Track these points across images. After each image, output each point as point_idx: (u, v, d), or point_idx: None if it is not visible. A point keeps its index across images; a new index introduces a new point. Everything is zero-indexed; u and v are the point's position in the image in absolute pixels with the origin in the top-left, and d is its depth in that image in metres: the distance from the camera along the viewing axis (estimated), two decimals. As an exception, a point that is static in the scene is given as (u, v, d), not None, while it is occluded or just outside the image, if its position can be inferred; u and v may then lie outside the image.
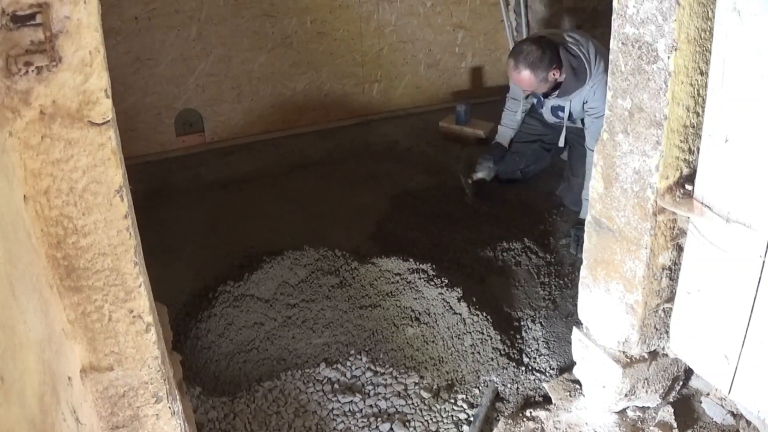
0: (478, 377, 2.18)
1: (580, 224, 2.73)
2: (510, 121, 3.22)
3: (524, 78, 2.69)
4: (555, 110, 2.94)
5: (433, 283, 2.60)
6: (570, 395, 2.00)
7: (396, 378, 2.16)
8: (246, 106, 3.96)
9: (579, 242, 2.72)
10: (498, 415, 2.03)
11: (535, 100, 3.04)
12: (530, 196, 3.28)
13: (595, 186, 1.73)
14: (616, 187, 1.65)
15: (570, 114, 2.87)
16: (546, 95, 2.87)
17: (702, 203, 1.49)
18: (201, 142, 3.91)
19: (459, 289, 2.57)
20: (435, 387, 2.13)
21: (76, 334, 1.28)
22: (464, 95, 4.45)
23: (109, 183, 1.18)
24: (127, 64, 3.53)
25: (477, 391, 2.13)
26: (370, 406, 2.06)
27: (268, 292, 2.53)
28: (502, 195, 3.27)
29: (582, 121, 2.91)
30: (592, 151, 2.64)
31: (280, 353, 2.28)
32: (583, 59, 2.68)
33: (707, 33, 1.41)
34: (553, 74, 2.69)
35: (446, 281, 2.61)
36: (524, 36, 4.37)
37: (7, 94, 1.05)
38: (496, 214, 3.14)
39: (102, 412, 1.38)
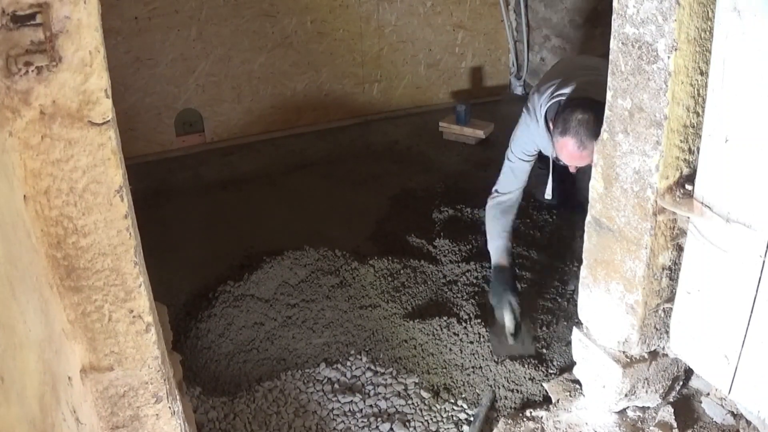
0: (479, 377, 2.18)
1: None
2: (500, 227, 2.44)
3: (588, 155, 2.05)
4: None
5: (433, 283, 2.61)
6: (570, 395, 2.00)
7: (396, 378, 2.16)
8: (246, 106, 3.96)
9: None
10: (498, 415, 2.03)
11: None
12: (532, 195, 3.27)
13: (595, 186, 1.73)
14: (616, 187, 1.65)
15: None
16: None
17: (702, 203, 1.49)
18: (201, 142, 3.91)
19: (459, 289, 2.57)
20: (435, 387, 2.13)
21: (76, 334, 1.28)
22: (464, 95, 4.45)
23: (109, 183, 1.18)
24: (127, 64, 3.53)
25: (477, 391, 2.13)
26: (370, 406, 2.06)
27: (268, 292, 2.53)
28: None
29: None
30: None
31: (280, 353, 2.28)
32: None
33: (707, 33, 1.41)
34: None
35: (446, 280, 2.61)
36: (524, 36, 4.38)
37: (7, 94, 1.05)
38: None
39: (102, 412, 1.38)
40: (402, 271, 2.66)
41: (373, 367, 2.20)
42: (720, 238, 1.47)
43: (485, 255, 2.76)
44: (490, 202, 2.49)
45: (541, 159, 2.52)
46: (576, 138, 2.09)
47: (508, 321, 2.29)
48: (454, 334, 2.33)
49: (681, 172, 1.55)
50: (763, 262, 1.37)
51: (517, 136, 2.44)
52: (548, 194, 2.63)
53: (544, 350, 2.29)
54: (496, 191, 2.49)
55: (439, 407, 2.05)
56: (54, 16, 1.03)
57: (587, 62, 2.81)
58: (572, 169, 2.27)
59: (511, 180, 2.46)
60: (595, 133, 1.94)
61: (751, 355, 1.48)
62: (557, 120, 2.17)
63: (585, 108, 2.10)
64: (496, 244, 2.45)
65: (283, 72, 3.98)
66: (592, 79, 2.27)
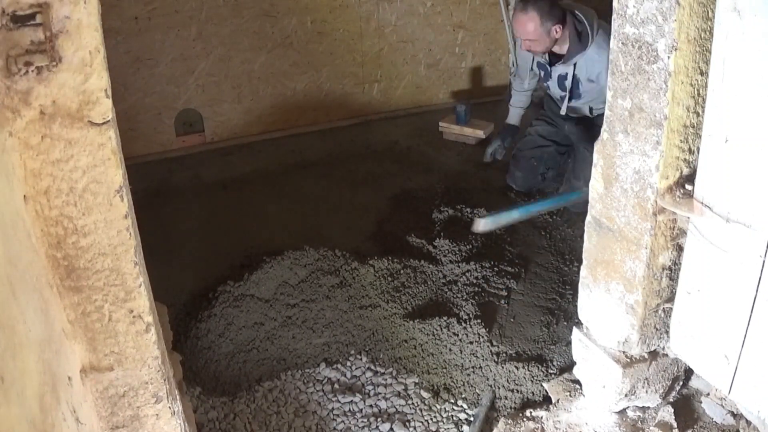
0: (479, 377, 2.18)
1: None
2: (518, 100, 3.34)
3: (529, 20, 2.73)
4: (561, 80, 2.96)
5: (433, 283, 2.61)
6: (570, 395, 2.00)
7: (396, 378, 2.16)
8: (246, 106, 3.96)
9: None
10: (498, 415, 2.03)
11: (542, 73, 3.06)
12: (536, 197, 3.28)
13: (595, 186, 1.73)
14: (616, 187, 1.65)
15: (577, 84, 2.89)
16: (551, 63, 2.92)
17: (702, 203, 1.49)
18: (201, 142, 3.91)
19: (459, 289, 2.57)
20: (435, 387, 2.13)
21: (76, 334, 1.28)
22: (464, 95, 4.46)
23: (109, 183, 1.18)
24: (127, 64, 3.53)
25: (477, 391, 2.13)
26: (370, 406, 2.06)
27: (268, 292, 2.53)
28: (513, 198, 3.27)
29: (590, 110, 2.96)
30: None
31: (280, 353, 2.28)
32: (587, 25, 2.75)
33: (707, 33, 1.41)
34: (556, 30, 2.75)
35: (446, 280, 2.61)
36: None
37: (7, 94, 1.05)
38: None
39: (102, 412, 1.38)
40: (402, 271, 2.66)
41: (373, 367, 2.20)
42: (720, 238, 1.47)
43: (485, 254, 2.77)
44: (515, 89, 3.35)
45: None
46: (522, 3, 2.77)
47: (489, 153, 3.46)
48: (454, 334, 2.33)
49: (681, 172, 1.55)
50: (763, 262, 1.37)
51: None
52: (563, 110, 3.07)
53: (544, 350, 2.30)
54: (515, 74, 3.39)
55: (439, 407, 2.05)
56: (54, 16, 1.03)
57: None
58: (525, 46, 2.87)
59: (522, 66, 3.23)
60: (541, 10, 2.72)
61: (751, 355, 1.48)
62: None
63: None
64: (512, 110, 3.39)
65: (283, 72, 3.97)
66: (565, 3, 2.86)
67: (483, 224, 2.64)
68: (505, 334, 2.37)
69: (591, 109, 3.00)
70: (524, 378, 2.16)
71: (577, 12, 2.80)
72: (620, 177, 1.63)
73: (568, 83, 2.93)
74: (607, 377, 1.80)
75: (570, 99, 2.97)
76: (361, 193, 3.39)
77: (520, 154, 3.26)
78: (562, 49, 2.84)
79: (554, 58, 2.91)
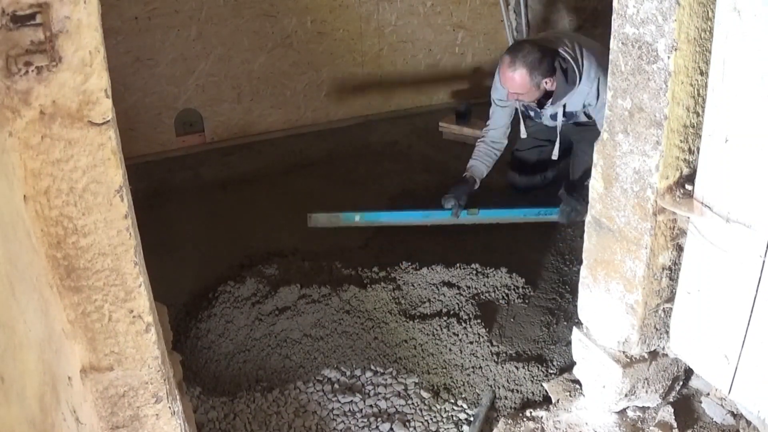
0: (479, 377, 2.18)
1: (576, 194, 2.79)
2: (485, 156, 2.98)
3: (518, 77, 2.57)
4: (552, 117, 2.91)
5: (433, 283, 2.61)
6: (570, 395, 2.00)
7: (396, 378, 2.16)
8: (246, 106, 3.96)
9: (569, 212, 2.81)
10: (498, 415, 2.03)
11: (532, 113, 2.96)
12: (538, 196, 3.27)
13: (595, 186, 1.73)
14: (616, 187, 1.65)
15: (572, 114, 2.85)
16: (541, 105, 2.81)
17: (702, 203, 1.49)
18: (201, 142, 3.91)
19: (459, 289, 2.57)
20: (435, 387, 2.13)
21: (76, 334, 1.28)
22: (464, 95, 4.45)
23: (109, 183, 1.18)
24: (127, 64, 3.53)
25: (477, 391, 2.13)
26: (370, 406, 2.06)
27: (269, 292, 2.52)
28: (513, 198, 3.27)
29: (586, 114, 2.91)
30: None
31: (280, 353, 2.28)
32: (572, 61, 2.65)
33: (707, 33, 1.41)
34: (546, 83, 2.62)
35: (446, 280, 2.61)
36: (524, 36, 4.38)
37: (7, 94, 1.05)
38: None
39: (102, 412, 1.37)
40: (402, 271, 2.66)
41: (373, 367, 2.20)
42: (720, 238, 1.47)
43: (485, 254, 2.77)
44: (483, 141, 3.00)
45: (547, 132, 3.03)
46: (510, 56, 2.58)
47: (446, 203, 2.90)
48: (454, 334, 2.33)
49: (681, 172, 1.55)
50: (763, 262, 1.37)
51: (494, 81, 2.88)
52: (555, 154, 2.98)
53: (545, 350, 2.30)
54: (486, 125, 3.01)
55: (439, 407, 2.05)
56: (54, 16, 1.03)
57: (577, 34, 3.28)
58: (511, 97, 2.70)
59: (498, 118, 2.95)
60: (531, 65, 2.55)
61: (751, 355, 1.48)
62: (513, 44, 2.71)
63: (536, 46, 2.59)
64: (475, 164, 2.99)
65: (283, 72, 3.97)
66: (551, 37, 2.74)
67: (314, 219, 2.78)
68: (505, 334, 2.37)
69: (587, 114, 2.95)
70: (524, 378, 2.16)
71: (560, 50, 2.65)
72: (620, 177, 1.63)
73: (559, 119, 2.85)
74: (607, 377, 1.80)
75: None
76: (361, 193, 3.39)
77: (517, 155, 3.26)
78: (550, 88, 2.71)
79: (543, 99, 2.77)
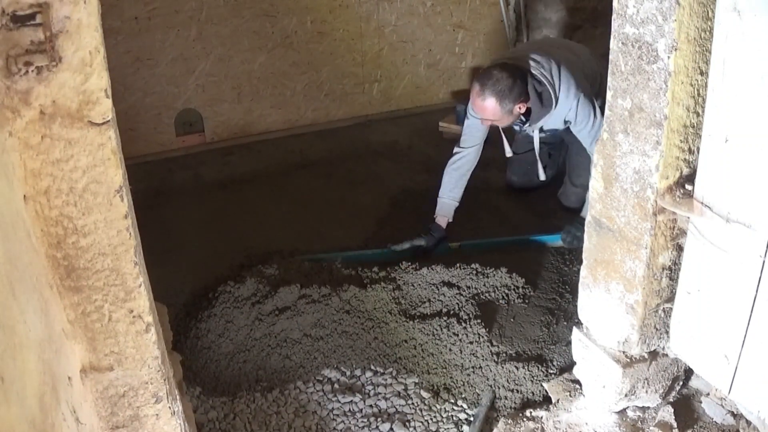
0: (479, 377, 2.18)
1: (578, 221, 2.77)
2: (455, 188, 2.84)
3: (488, 107, 2.50)
4: (528, 136, 2.90)
5: (433, 283, 2.61)
6: (570, 395, 2.00)
7: (396, 378, 2.16)
8: (246, 106, 3.96)
9: (572, 237, 2.81)
10: (498, 415, 2.03)
11: (516, 128, 2.86)
12: (538, 196, 3.28)
13: (595, 186, 1.73)
14: (616, 187, 1.65)
15: (555, 130, 2.81)
16: (520, 126, 2.77)
17: (702, 203, 1.49)
18: (201, 142, 3.92)
19: (459, 289, 2.57)
20: (435, 387, 2.13)
21: (76, 334, 1.28)
22: (464, 95, 4.43)
23: (109, 183, 1.18)
24: (127, 64, 3.53)
25: (477, 391, 2.13)
26: (370, 406, 2.06)
27: (269, 292, 2.52)
28: (512, 198, 3.27)
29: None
30: (589, 146, 2.68)
31: (279, 353, 2.28)
32: (547, 84, 2.56)
33: (707, 33, 1.41)
34: (519, 107, 2.54)
35: (446, 280, 2.61)
36: (524, 36, 4.39)
37: (7, 94, 1.05)
38: (500, 213, 3.14)
39: (102, 412, 1.37)
40: (402, 271, 2.66)
41: (373, 367, 2.20)
42: (720, 238, 1.47)
43: (484, 254, 2.77)
44: (451, 161, 2.86)
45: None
46: (479, 83, 2.50)
47: (406, 245, 2.81)
48: (454, 334, 2.33)
49: (681, 172, 1.55)
50: (763, 262, 1.37)
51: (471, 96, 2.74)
52: (542, 176, 2.98)
53: (545, 350, 2.30)
54: (457, 146, 2.85)
55: (439, 407, 2.05)
56: (54, 16, 1.03)
57: (561, 42, 3.20)
58: (485, 123, 2.64)
59: (468, 137, 2.81)
60: (501, 93, 2.47)
61: (751, 355, 1.48)
62: (482, 71, 2.59)
63: (505, 70, 2.50)
64: (443, 202, 2.86)
65: (283, 72, 3.98)
66: (522, 54, 2.65)
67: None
68: (505, 334, 2.37)
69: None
70: (524, 378, 2.16)
71: (534, 72, 2.56)
72: (620, 177, 1.63)
73: (536, 140, 2.81)
74: (607, 377, 1.80)
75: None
76: (361, 193, 3.39)
77: (514, 158, 3.23)
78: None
79: (524, 117, 2.69)
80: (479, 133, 2.79)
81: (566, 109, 2.61)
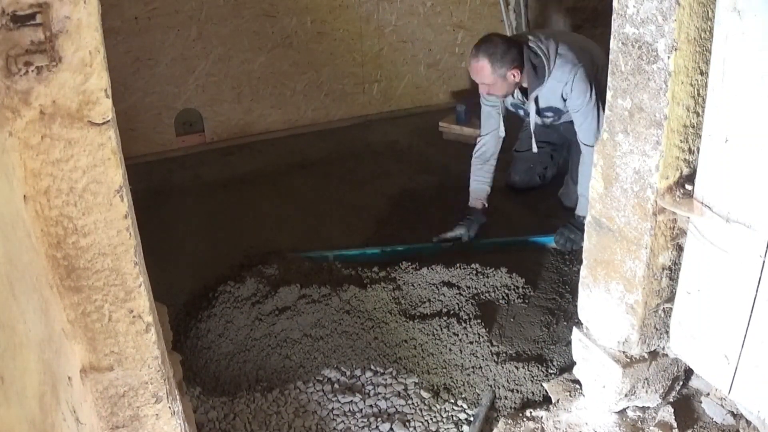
0: (479, 377, 2.18)
1: (573, 223, 2.80)
2: (482, 174, 2.96)
3: (480, 67, 2.60)
4: (543, 111, 2.90)
5: (433, 283, 2.61)
6: (570, 395, 2.00)
7: (396, 378, 2.16)
8: (246, 106, 3.96)
9: (566, 240, 2.82)
10: (498, 415, 2.03)
11: (521, 112, 2.96)
12: (538, 196, 3.28)
13: (595, 186, 1.73)
14: (616, 187, 1.65)
15: (556, 109, 2.83)
16: (526, 96, 2.81)
17: (702, 203, 1.49)
18: (201, 142, 3.92)
19: (459, 289, 2.57)
20: (435, 387, 2.13)
21: (76, 334, 1.28)
22: (464, 95, 4.45)
23: (109, 183, 1.18)
24: (127, 64, 3.53)
25: (477, 391, 2.13)
26: (370, 406, 2.06)
27: (268, 292, 2.52)
28: (512, 197, 3.27)
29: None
30: (585, 145, 2.68)
31: (279, 353, 2.28)
32: (543, 57, 2.65)
33: (707, 33, 1.41)
34: (513, 74, 2.62)
35: (446, 280, 2.61)
36: (524, 36, 4.39)
37: (7, 94, 1.05)
38: (500, 213, 3.14)
39: (102, 412, 1.38)
40: (402, 271, 2.66)
41: (373, 367, 2.20)
42: (720, 238, 1.47)
43: (485, 253, 2.77)
44: (474, 151, 2.98)
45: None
46: (475, 47, 2.62)
47: (453, 234, 2.89)
48: (454, 334, 2.33)
49: (681, 172, 1.55)
50: (763, 262, 1.37)
51: None
52: (534, 148, 3.01)
53: (545, 350, 2.30)
54: (479, 135, 2.98)
55: (439, 407, 2.05)
56: (54, 16, 1.03)
57: (570, 32, 3.33)
58: (482, 90, 2.73)
59: (485, 124, 2.94)
60: (494, 56, 2.58)
61: (751, 355, 1.48)
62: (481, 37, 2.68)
63: (501, 37, 2.65)
64: (474, 187, 2.98)
65: (283, 72, 3.98)
66: (525, 33, 2.78)
67: None
68: (505, 334, 2.37)
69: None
70: (524, 378, 2.16)
71: (532, 45, 2.66)
72: (620, 177, 1.63)
73: (532, 114, 2.84)
74: (607, 377, 1.80)
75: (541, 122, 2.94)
76: (361, 193, 3.39)
77: (516, 156, 3.27)
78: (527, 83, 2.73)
79: (522, 92, 2.80)
80: (493, 118, 2.90)
81: (562, 82, 2.66)
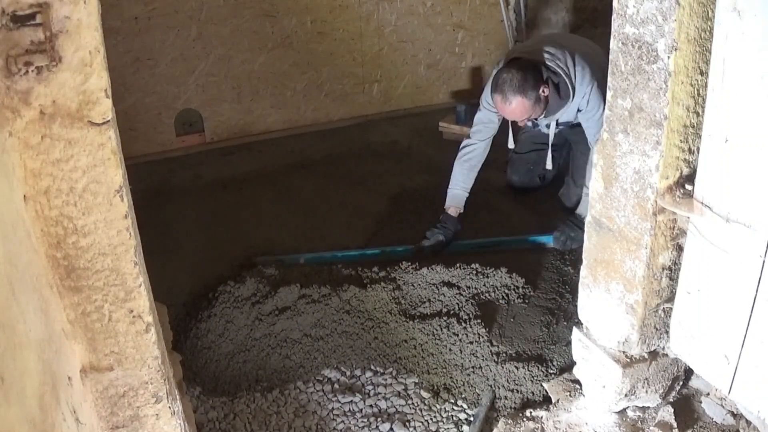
0: (479, 377, 2.18)
1: (572, 221, 2.78)
2: (465, 180, 2.86)
3: (517, 107, 2.48)
4: (558, 125, 2.87)
5: (433, 283, 2.61)
6: (570, 395, 2.00)
7: (396, 378, 2.16)
8: (246, 106, 3.96)
9: (566, 239, 2.79)
10: (498, 415, 2.03)
11: (529, 124, 2.83)
12: (538, 196, 3.28)
13: (595, 186, 1.73)
14: (616, 187, 1.65)
15: (567, 122, 2.80)
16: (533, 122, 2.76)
17: (702, 203, 1.49)
18: (201, 142, 3.92)
19: (459, 289, 2.57)
20: (435, 387, 2.13)
21: (76, 334, 1.28)
22: (464, 95, 4.46)
23: (109, 183, 1.18)
24: (127, 64, 3.53)
25: (477, 391, 2.13)
26: (370, 406, 2.06)
27: (268, 292, 2.52)
28: (512, 197, 3.27)
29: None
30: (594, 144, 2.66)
31: (279, 353, 2.28)
32: (563, 75, 2.57)
33: (707, 33, 1.41)
34: (543, 91, 2.53)
35: (446, 280, 2.61)
36: (524, 36, 4.39)
37: (7, 94, 1.05)
38: (500, 213, 3.14)
39: (102, 412, 1.38)
40: (402, 271, 2.66)
41: (373, 367, 2.20)
42: (720, 238, 1.47)
43: (484, 253, 2.77)
44: (460, 154, 2.87)
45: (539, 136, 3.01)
46: (500, 94, 2.50)
47: (428, 242, 2.82)
48: (454, 334, 2.33)
49: (681, 172, 1.55)
50: (763, 262, 1.37)
51: (485, 89, 2.80)
52: (549, 164, 2.98)
53: (545, 350, 2.30)
54: (468, 137, 2.88)
55: (439, 407, 2.05)
56: (54, 16, 1.03)
57: (573, 36, 3.21)
58: (521, 123, 2.65)
59: (479, 129, 2.83)
60: (521, 88, 2.48)
61: (751, 355, 1.48)
62: (493, 79, 2.62)
63: (512, 67, 2.51)
64: (454, 193, 2.89)
65: (283, 72, 3.98)
66: (534, 48, 2.66)
67: None
68: (505, 334, 2.37)
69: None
70: (524, 378, 2.16)
71: (549, 63, 2.56)
72: (620, 177, 1.63)
73: (551, 130, 2.79)
74: (607, 377, 1.80)
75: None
76: (361, 193, 3.39)
77: (516, 157, 3.26)
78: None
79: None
80: (492, 125, 2.81)
81: (580, 96, 2.61)
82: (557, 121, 2.77)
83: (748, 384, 1.51)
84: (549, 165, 2.99)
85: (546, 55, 2.60)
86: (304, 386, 2.12)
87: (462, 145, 2.89)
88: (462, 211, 2.90)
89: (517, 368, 2.19)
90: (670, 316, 1.73)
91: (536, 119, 2.70)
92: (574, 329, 1.93)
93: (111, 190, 1.19)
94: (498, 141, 2.93)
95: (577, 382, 2.00)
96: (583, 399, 1.96)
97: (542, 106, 2.57)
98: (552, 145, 3.18)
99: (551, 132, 2.83)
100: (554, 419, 1.92)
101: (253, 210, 3.23)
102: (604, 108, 2.55)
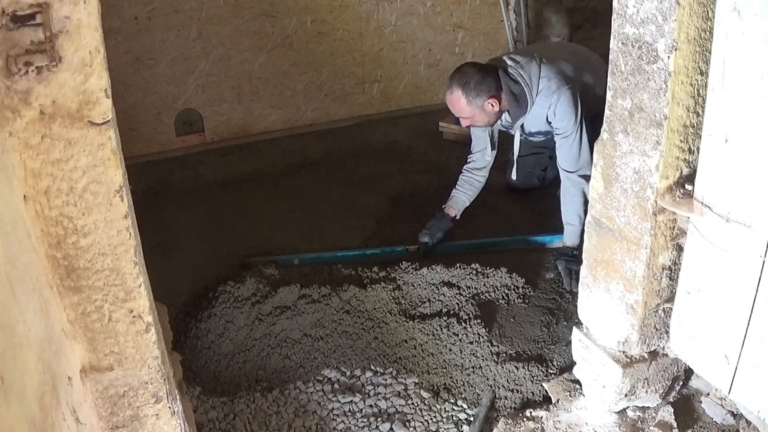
0: (479, 377, 2.18)
1: (566, 255, 2.66)
2: (469, 187, 2.91)
3: (455, 99, 2.51)
4: (532, 134, 2.84)
5: (433, 283, 2.61)
6: (570, 395, 2.00)
7: (396, 378, 2.16)
8: (246, 106, 3.96)
9: (570, 275, 2.60)
10: (498, 415, 2.03)
11: (512, 132, 2.84)
12: (538, 197, 3.28)
13: (595, 186, 1.73)
14: (616, 187, 1.65)
15: (545, 132, 2.75)
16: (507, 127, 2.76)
17: (702, 203, 1.49)
18: (201, 142, 3.92)
19: (459, 289, 2.57)
20: (435, 387, 2.13)
21: (76, 334, 1.28)
22: (464, 95, 4.45)
23: (109, 183, 1.18)
24: (127, 64, 3.53)
25: (477, 391, 2.13)
26: (370, 406, 2.06)
27: (268, 292, 2.52)
28: (512, 198, 3.27)
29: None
30: (564, 170, 2.61)
31: (279, 353, 2.28)
32: (524, 85, 2.54)
33: (707, 33, 1.41)
34: (491, 104, 2.51)
35: (446, 280, 2.61)
36: (524, 36, 4.39)
37: (7, 94, 1.05)
38: (500, 213, 3.14)
39: (102, 412, 1.38)
40: (402, 271, 2.66)
41: (373, 367, 2.20)
42: (720, 238, 1.47)
43: (484, 253, 2.77)
44: (467, 165, 2.92)
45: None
46: (449, 79, 2.53)
47: (422, 238, 2.83)
48: (454, 334, 2.33)
49: (681, 172, 1.55)
50: (763, 262, 1.37)
51: None
52: (513, 175, 3.04)
53: (545, 350, 2.30)
54: (470, 152, 2.91)
55: (439, 407, 2.05)
56: (54, 16, 1.03)
57: (569, 47, 3.17)
58: (463, 125, 2.68)
59: (476, 141, 2.87)
60: (466, 86, 2.49)
61: (751, 355, 1.48)
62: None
63: (474, 64, 2.57)
64: (458, 197, 2.92)
65: (283, 72, 3.97)
66: (503, 55, 2.66)
67: None
68: (505, 334, 2.37)
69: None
70: (524, 378, 2.16)
71: (511, 71, 2.54)
72: (620, 177, 1.63)
73: (516, 139, 2.80)
74: (607, 377, 1.80)
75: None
76: (361, 193, 3.39)
77: (514, 159, 3.24)
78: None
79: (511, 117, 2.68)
80: (482, 138, 2.83)
81: (545, 107, 2.57)
82: (523, 127, 2.75)
83: (748, 384, 1.51)
84: (513, 176, 3.00)
85: (509, 62, 2.59)
86: (304, 386, 2.12)
87: (465, 165, 2.94)
88: (458, 216, 2.92)
89: (517, 368, 2.19)
90: (670, 316, 1.73)
91: (484, 127, 2.71)
92: (574, 329, 1.93)
93: (111, 190, 1.19)
94: (498, 141, 2.93)
95: (577, 382, 2.00)
96: (583, 399, 1.96)
97: (485, 117, 2.58)
98: (551, 147, 3.16)
99: (516, 139, 2.83)
100: (554, 419, 1.92)
101: (253, 210, 3.23)
102: (577, 120, 2.53)
